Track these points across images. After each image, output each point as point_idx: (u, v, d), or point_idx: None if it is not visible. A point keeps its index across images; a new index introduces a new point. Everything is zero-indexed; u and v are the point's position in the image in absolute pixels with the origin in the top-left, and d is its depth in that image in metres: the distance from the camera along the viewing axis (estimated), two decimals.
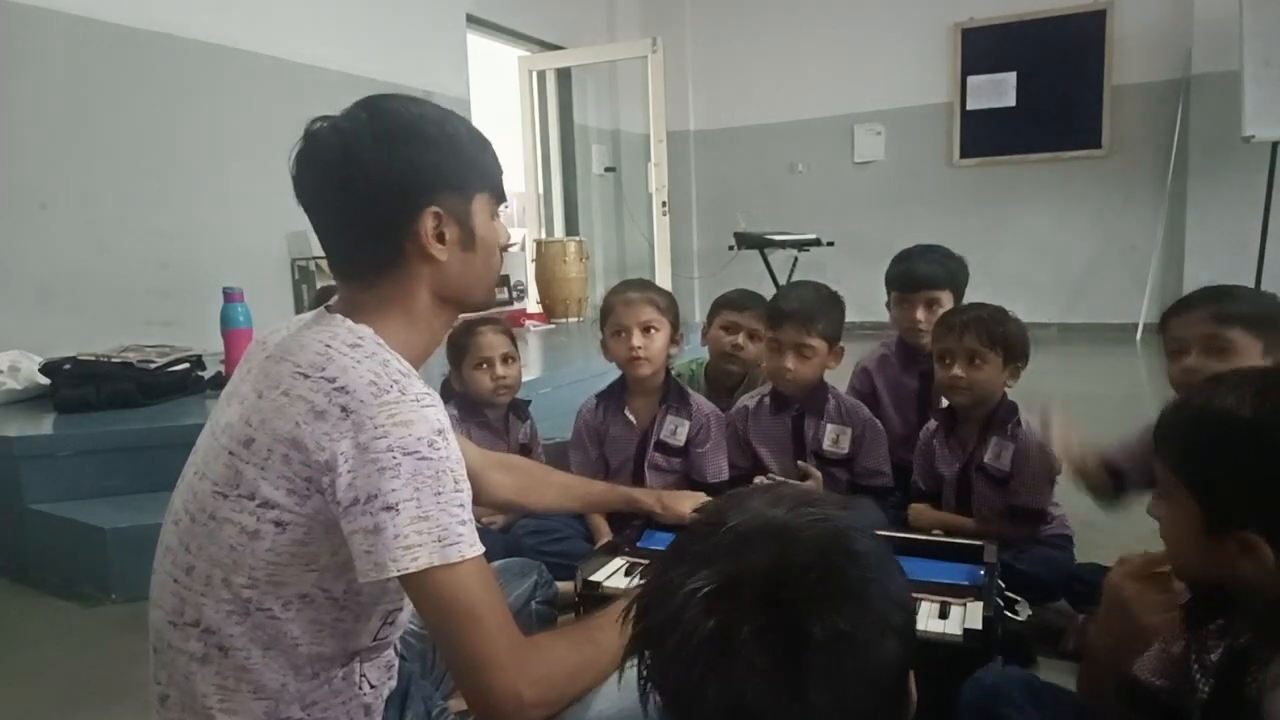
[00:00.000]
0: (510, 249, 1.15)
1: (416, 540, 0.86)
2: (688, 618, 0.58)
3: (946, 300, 2.27)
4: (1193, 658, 0.92)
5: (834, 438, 2.09)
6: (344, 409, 0.88)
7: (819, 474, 2.03)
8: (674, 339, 2.12)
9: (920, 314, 2.26)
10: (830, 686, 0.55)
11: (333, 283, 1.06)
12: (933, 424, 2.07)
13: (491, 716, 0.90)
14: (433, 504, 0.87)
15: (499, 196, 1.07)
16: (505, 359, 2.17)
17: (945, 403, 2.05)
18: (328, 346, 0.93)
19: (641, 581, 0.68)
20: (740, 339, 2.35)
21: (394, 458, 0.86)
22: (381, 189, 0.96)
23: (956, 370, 1.87)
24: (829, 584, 0.58)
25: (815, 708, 0.55)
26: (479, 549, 0.90)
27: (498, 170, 1.07)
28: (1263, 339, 1.41)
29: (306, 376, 0.91)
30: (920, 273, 2.28)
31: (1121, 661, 1.00)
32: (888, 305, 2.41)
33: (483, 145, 1.05)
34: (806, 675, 0.55)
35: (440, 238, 0.99)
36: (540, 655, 0.94)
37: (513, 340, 2.22)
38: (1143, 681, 0.98)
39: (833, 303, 2.11)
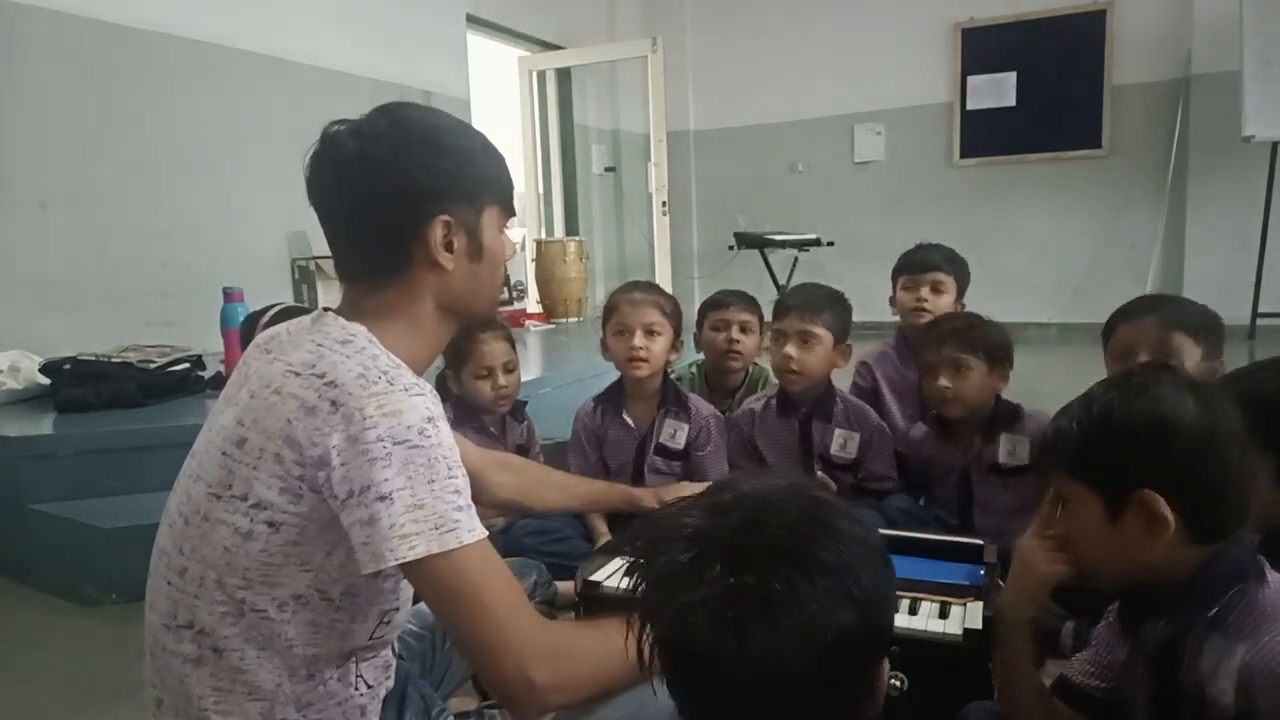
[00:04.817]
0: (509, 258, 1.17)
1: (413, 529, 0.85)
2: (670, 551, 0.65)
3: (950, 287, 2.36)
4: (1139, 657, 0.96)
5: (842, 442, 2.07)
6: (333, 403, 0.88)
7: (834, 484, 2.00)
8: (674, 345, 2.11)
9: (925, 293, 2.34)
10: (772, 637, 0.60)
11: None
12: (921, 429, 2.06)
13: (507, 701, 0.91)
14: (427, 492, 0.87)
15: (509, 211, 1.08)
16: (507, 368, 2.15)
17: None
18: (319, 345, 0.94)
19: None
20: (734, 333, 2.35)
21: (384, 447, 0.86)
22: (395, 194, 0.97)
23: (943, 381, 1.88)
24: (793, 543, 0.63)
25: (753, 654, 0.60)
26: (480, 533, 0.89)
27: (509, 185, 1.08)
28: (1203, 344, 1.58)
29: (297, 374, 0.91)
30: (930, 258, 2.40)
31: (1025, 626, 1.09)
32: (891, 301, 2.43)
33: (497, 159, 1.06)
34: (752, 622, 0.60)
35: (449, 246, 1.00)
36: (549, 635, 0.93)
37: (513, 347, 2.21)
38: (1077, 683, 1.05)
39: (837, 299, 2.12)
